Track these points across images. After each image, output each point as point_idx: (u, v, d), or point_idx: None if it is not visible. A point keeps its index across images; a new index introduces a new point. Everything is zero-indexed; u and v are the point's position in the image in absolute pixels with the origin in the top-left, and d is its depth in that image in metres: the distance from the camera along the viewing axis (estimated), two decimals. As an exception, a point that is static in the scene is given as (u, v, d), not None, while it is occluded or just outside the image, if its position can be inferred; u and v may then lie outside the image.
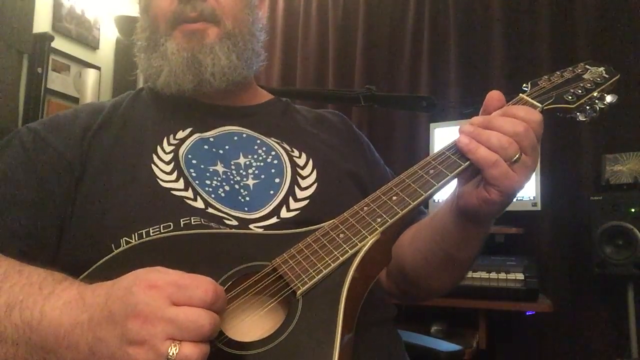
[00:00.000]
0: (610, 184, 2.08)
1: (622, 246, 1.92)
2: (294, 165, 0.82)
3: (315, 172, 0.83)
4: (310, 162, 0.84)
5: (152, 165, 0.76)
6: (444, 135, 2.32)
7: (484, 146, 0.63)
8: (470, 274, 1.87)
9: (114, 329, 0.48)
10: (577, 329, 2.16)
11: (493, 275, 1.86)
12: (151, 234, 0.68)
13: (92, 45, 2.87)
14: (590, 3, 2.28)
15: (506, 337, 2.21)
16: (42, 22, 2.57)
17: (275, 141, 0.85)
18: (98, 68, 2.79)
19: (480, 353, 1.91)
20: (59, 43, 2.63)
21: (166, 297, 0.47)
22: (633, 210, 1.92)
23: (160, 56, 0.82)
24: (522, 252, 2.08)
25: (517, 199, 2.11)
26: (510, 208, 2.25)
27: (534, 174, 2.21)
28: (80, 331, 0.50)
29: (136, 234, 0.68)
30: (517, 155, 0.63)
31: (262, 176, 0.79)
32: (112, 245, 0.67)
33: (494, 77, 2.41)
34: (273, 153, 0.83)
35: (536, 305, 1.84)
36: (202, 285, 0.49)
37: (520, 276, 1.83)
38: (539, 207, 2.10)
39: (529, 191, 2.11)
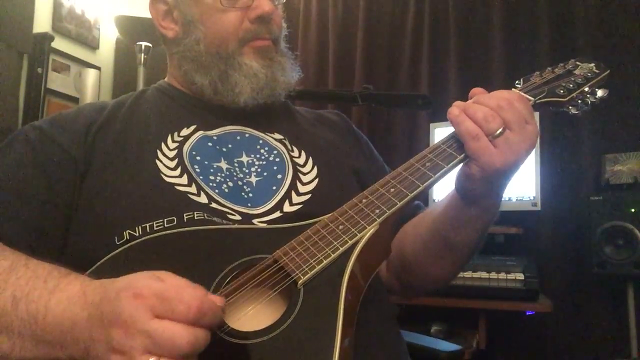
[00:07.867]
0: (610, 184, 2.08)
1: (622, 246, 1.91)
2: (294, 163, 0.84)
3: (316, 168, 0.85)
4: (310, 159, 0.86)
5: (156, 161, 0.77)
6: (443, 135, 2.31)
7: (470, 119, 0.66)
8: (470, 274, 1.87)
9: (102, 332, 0.48)
10: (577, 329, 2.16)
11: (493, 275, 1.86)
12: (155, 228, 0.69)
13: (92, 45, 2.87)
14: (590, 3, 2.28)
15: (506, 337, 2.20)
16: (42, 22, 2.56)
17: (276, 140, 0.87)
18: (98, 68, 2.78)
19: (480, 353, 1.91)
20: (59, 43, 2.62)
21: (149, 309, 0.46)
22: (633, 210, 1.91)
23: (242, 74, 0.83)
24: (522, 252, 2.08)
25: (516, 199, 2.12)
26: (510, 208, 2.22)
27: (534, 173, 2.19)
28: (80, 328, 0.50)
29: (139, 227, 0.69)
30: (499, 130, 0.64)
31: (265, 173, 0.81)
32: (115, 239, 0.68)
33: (494, 76, 2.40)
34: (275, 152, 0.85)
35: (536, 305, 1.83)
36: (185, 300, 0.46)
37: (520, 276, 1.83)
38: (539, 207, 2.09)
39: (529, 191, 2.10)
